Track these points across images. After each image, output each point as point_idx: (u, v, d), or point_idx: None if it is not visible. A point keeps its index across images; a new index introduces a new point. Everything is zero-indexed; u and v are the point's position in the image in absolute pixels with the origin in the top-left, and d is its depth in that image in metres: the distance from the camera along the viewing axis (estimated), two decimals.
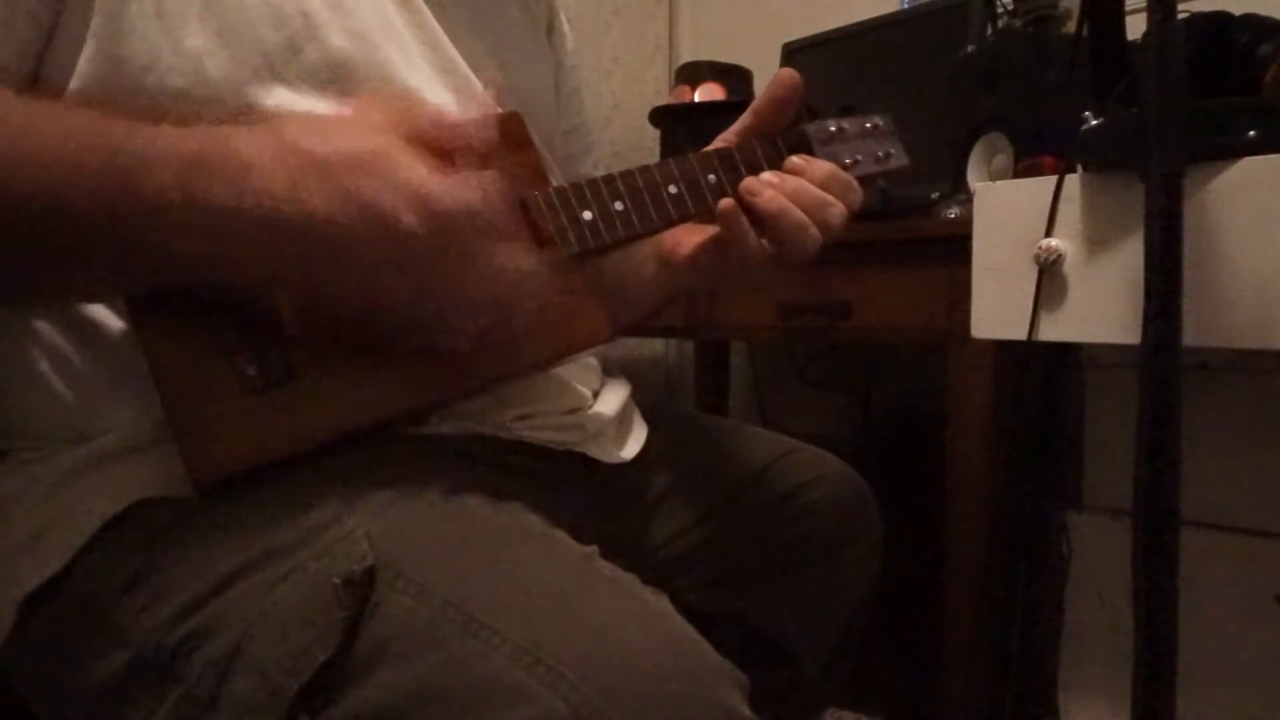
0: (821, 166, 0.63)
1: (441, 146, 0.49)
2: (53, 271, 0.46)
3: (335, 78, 0.56)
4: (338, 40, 0.56)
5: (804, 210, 0.60)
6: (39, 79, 0.52)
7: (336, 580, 0.45)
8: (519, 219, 0.54)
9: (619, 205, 0.59)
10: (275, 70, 0.54)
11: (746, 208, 0.61)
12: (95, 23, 0.51)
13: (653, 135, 1.88)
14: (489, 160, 0.51)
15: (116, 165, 0.43)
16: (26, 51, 0.51)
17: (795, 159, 0.63)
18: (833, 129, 0.68)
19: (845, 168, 0.67)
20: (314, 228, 0.45)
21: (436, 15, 0.63)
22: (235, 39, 0.53)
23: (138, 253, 0.45)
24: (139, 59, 0.51)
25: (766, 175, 0.62)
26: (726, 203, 0.61)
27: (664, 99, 1.90)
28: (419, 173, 0.46)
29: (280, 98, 0.54)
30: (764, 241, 0.62)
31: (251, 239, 0.45)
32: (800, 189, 0.61)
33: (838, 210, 0.62)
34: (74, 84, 0.51)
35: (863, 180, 0.68)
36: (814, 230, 0.61)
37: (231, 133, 0.46)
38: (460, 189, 0.47)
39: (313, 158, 0.45)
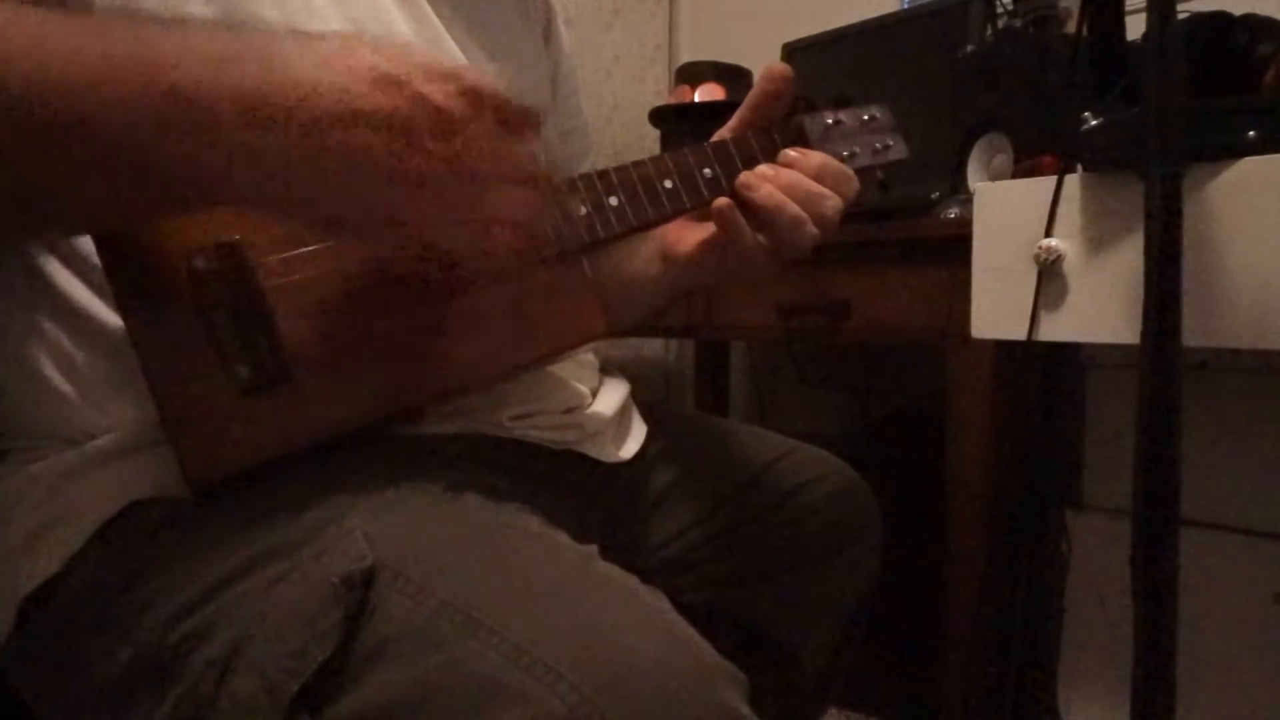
0: (815, 158, 0.63)
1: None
2: (69, 189, 0.42)
3: None
4: (336, 25, 0.56)
5: (799, 204, 0.60)
6: None
7: (335, 580, 0.45)
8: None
9: (613, 200, 0.59)
10: None
11: (742, 203, 0.61)
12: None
13: (653, 135, 1.88)
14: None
15: (143, 59, 0.40)
16: None
17: (789, 151, 0.63)
18: (829, 121, 0.68)
19: (842, 160, 0.67)
20: (344, 104, 0.41)
21: (435, 14, 0.63)
22: (235, 20, 0.53)
23: (157, 161, 0.41)
24: None
25: (761, 169, 0.62)
26: (721, 202, 0.61)
27: (664, 99, 1.90)
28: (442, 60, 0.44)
29: None
30: (760, 236, 0.62)
31: (276, 127, 0.40)
32: (795, 182, 0.61)
33: (833, 203, 0.62)
34: None
35: (861, 172, 0.67)
36: (810, 226, 0.61)
37: (255, 30, 0.44)
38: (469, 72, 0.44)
39: (335, 39, 0.43)
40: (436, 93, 0.42)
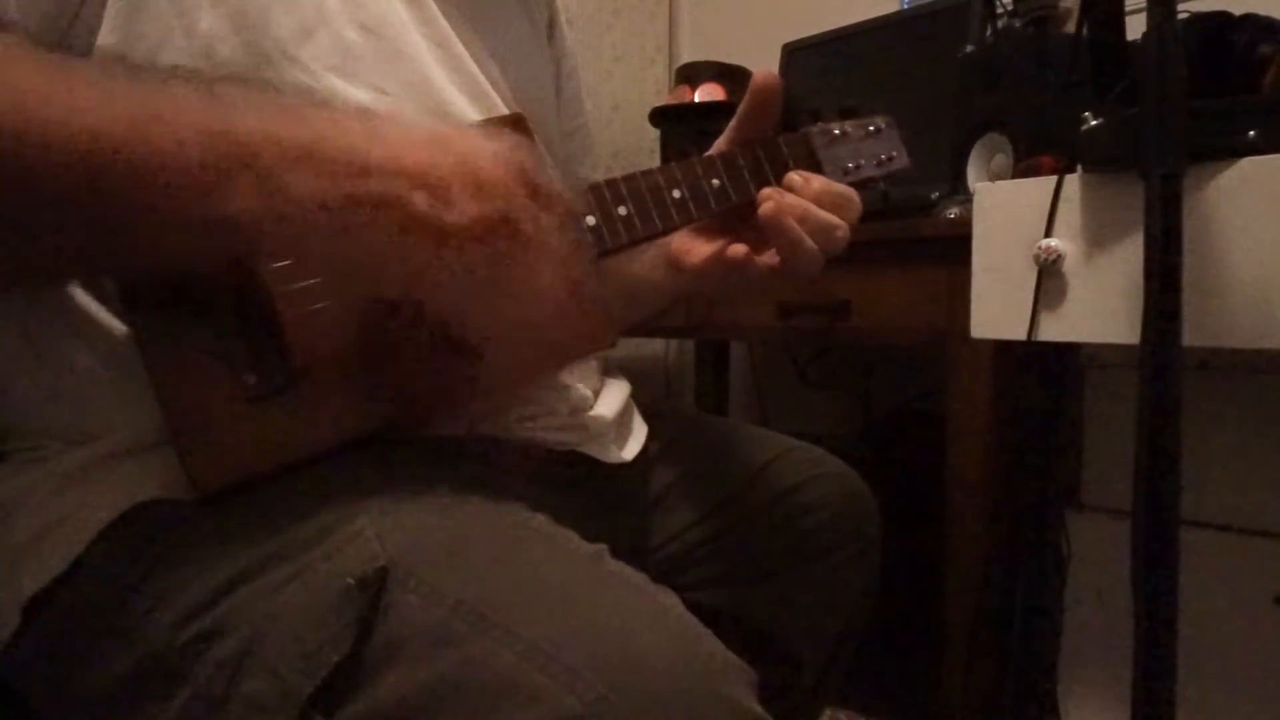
0: (817, 182, 0.64)
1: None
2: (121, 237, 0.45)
3: (346, 65, 0.56)
4: (348, 31, 0.56)
5: (812, 236, 0.62)
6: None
7: (350, 580, 0.45)
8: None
9: (622, 210, 0.59)
10: (287, 55, 0.54)
11: (758, 229, 0.62)
12: (114, 3, 0.51)
13: (653, 135, 1.88)
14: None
15: (208, 121, 0.43)
16: (51, 25, 0.50)
17: (793, 176, 0.64)
18: (835, 132, 0.69)
19: (847, 171, 0.68)
20: (397, 167, 0.45)
21: (441, 14, 0.63)
22: (247, 23, 0.53)
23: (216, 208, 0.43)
24: (151, 39, 0.51)
25: (768, 192, 0.63)
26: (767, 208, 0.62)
27: (664, 99, 1.90)
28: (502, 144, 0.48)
29: (291, 79, 0.54)
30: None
31: (329, 185, 0.44)
32: (807, 214, 0.62)
33: (842, 234, 0.63)
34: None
35: (864, 182, 0.68)
36: (822, 257, 0.63)
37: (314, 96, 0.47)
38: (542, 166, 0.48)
39: (397, 116, 0.46)
40: (484, 162, 0.46)
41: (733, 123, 0.67)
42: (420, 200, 0.45)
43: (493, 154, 0.47)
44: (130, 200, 0.42)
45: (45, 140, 0.40)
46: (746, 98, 0.66)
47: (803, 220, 0.61)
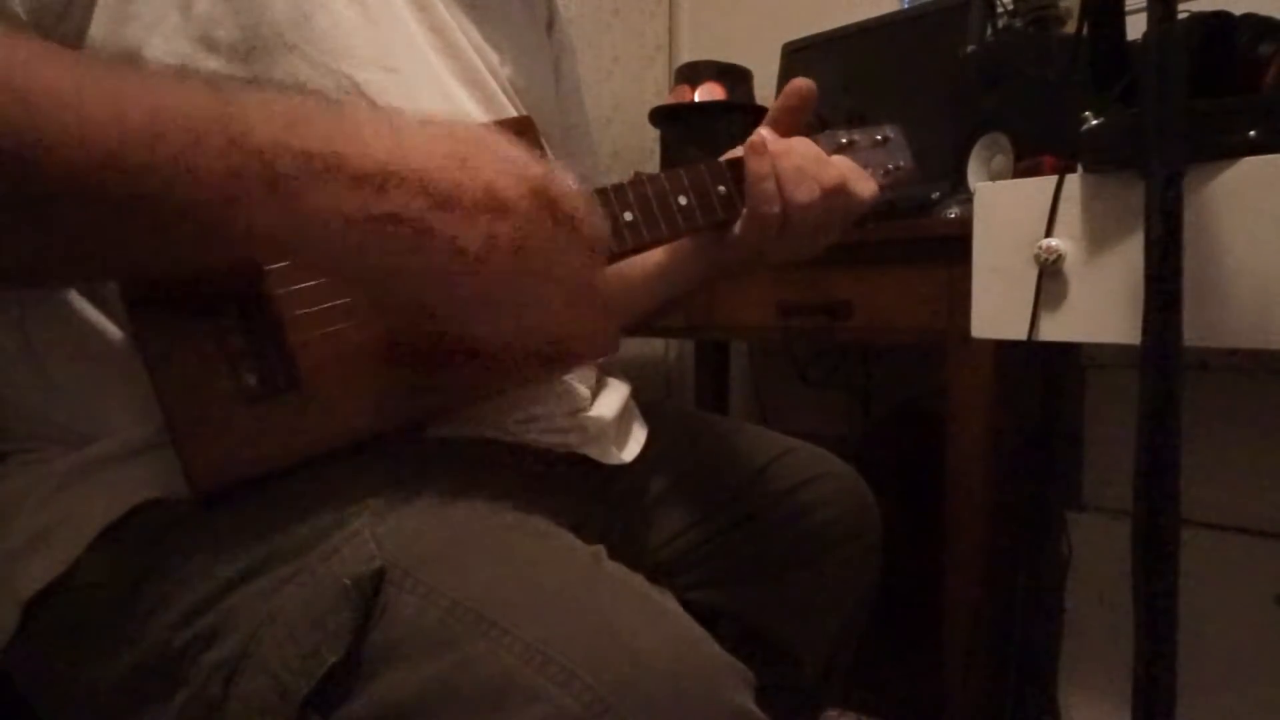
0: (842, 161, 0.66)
1: None
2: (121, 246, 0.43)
3: (345, 48, 0.56)
4: (345, 15, 0.56)
5: (808, 164, 0.63)
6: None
7: (346, 581, 0.45)
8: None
9: (629, 216, 0.59)
10: (285, 40, 0.54)
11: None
12: None
13: (653, 135, 1.88)
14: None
15: (225, 120, 0.41)
16: (45, 8, 0.49)
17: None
18: (843, 140, 0.69)
19: None
20: (417, 185, 0.42)
21: (440, 3, 0.63)
22: (245, 7, 0.53)
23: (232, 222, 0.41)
24: (146, 18, 0.51)
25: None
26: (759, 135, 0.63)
27: (664, 99, 1.90)
28: (521, 151, 0.46)
29: (288, 65, 0.54)
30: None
31: (347, 199, 0.42)
32: (805, 149, 0.64)
33: (833, 171, 0.64)
34: (86, 41, 0.50)
35: None
36: (813, 184, 0.63)
37: (330, 97, 0.44)
38: (559, 174, 0.46)
39: (413, 121, 0.44)
40: (503, 181, 0.44)
41: (762, 127, 0.68)
42: (439, 221, 0.43)
43: (517, 174, 0.45)
44: (144, 212, 0.40)
45: (56, 153, 0.38)
46: (780, 99, 0.67)
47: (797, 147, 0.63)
